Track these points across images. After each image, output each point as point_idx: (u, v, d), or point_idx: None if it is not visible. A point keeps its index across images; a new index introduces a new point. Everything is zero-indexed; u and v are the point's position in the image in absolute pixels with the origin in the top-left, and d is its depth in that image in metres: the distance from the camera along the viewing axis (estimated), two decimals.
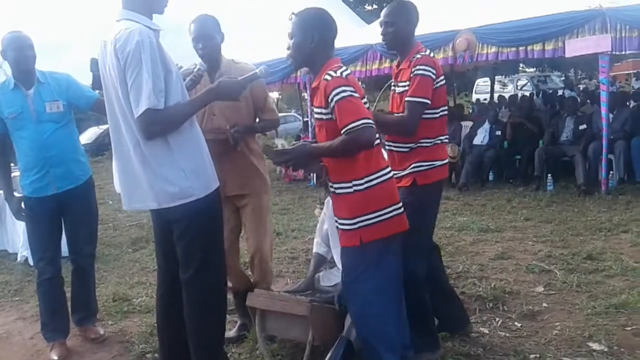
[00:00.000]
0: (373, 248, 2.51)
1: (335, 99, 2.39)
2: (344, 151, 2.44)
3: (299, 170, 3.07)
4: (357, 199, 2.48)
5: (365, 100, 2.50)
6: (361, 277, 2.53)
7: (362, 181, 2.47)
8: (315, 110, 2.55)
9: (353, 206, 2.50)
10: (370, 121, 2.38)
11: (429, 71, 2.89)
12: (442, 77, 2.98)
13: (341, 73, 2.44)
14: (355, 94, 2.41)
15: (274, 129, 3.73)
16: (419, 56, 2.93)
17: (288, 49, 2.61)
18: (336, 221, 2.61)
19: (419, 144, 2.96)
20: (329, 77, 2.43)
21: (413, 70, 2.90)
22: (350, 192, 2.49)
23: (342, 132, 2.39)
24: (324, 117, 2.49)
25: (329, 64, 2.51)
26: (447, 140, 3.18)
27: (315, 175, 2.76)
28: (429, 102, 2.90)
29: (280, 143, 12.84)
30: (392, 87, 3.12)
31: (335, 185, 2.55)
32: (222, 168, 3.39)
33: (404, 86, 2.96)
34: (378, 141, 2.58)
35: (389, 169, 2.58)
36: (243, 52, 9.62)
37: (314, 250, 3.72)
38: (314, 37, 2.51)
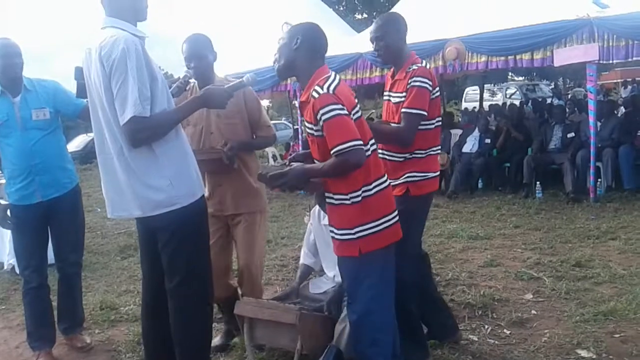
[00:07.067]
0: (375, 258, 2.49)
1: (324, 118, 2.35)
2: (335, 174, 2.43)
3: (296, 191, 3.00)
4: (356, 209, 2.45)
5: (357, 109, 2.47)
6: (365, 285, 2.51)
7: (359, 192, 2.44)
8: (306, 124, 2.53)
9: (352, 216, 2.46)
10: (358, 143, 2.33)
11: (426, 83, 2.90)
12: (437, 89, 2.98)
13: (328, 88, 2.37)
14: (344, 112, 2.35)
15: (270, 145, 3.66)
16: (415, 67, 2.93)
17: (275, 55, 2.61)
18: (331, 231, 2.58)
19: (413, 155, 2.96)
20: (316, 95, 2.38)
21: (410, 81, 2.90)
22: (348, 203, 2.46)
23: (331, 152, 2.36)
24: (314, 132, 2.46)
25: (316, 76, 2.47)
26: (440, 151, 3.18)
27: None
28: (425, 113, 2.90)
29: (271, 151, 12.84)
30: (387, 97, 3.11)
31: (335, 197, 2.51)
32: (219, 188, 3.36)
33: (400, 97, 2.95)
34: (374, 147, 2.55)
35: (385, 177, 2.57)
36: (232, 61, 9.64)
37: (301, 261, 3.70)
38: (297, 40, 2.49)
